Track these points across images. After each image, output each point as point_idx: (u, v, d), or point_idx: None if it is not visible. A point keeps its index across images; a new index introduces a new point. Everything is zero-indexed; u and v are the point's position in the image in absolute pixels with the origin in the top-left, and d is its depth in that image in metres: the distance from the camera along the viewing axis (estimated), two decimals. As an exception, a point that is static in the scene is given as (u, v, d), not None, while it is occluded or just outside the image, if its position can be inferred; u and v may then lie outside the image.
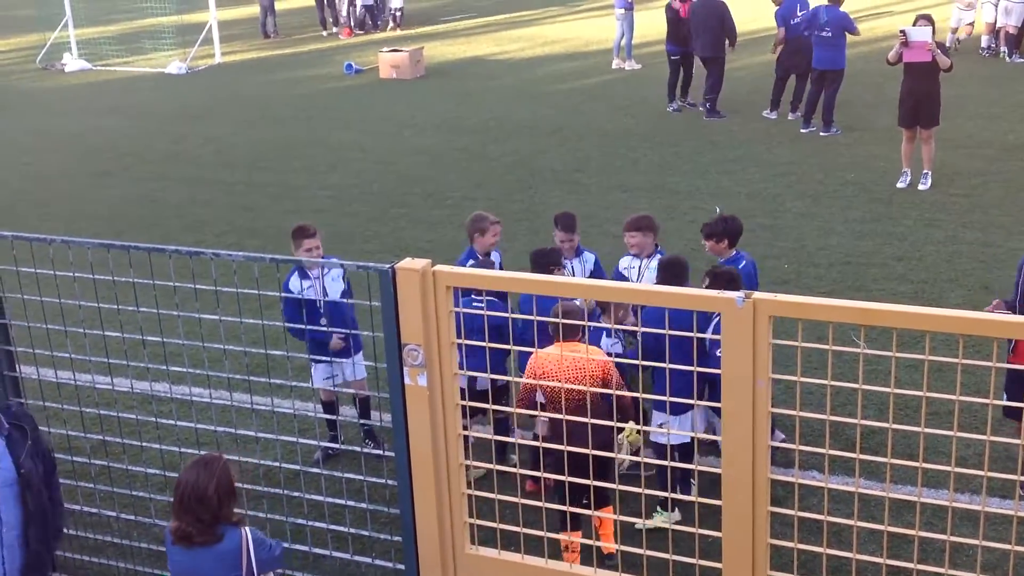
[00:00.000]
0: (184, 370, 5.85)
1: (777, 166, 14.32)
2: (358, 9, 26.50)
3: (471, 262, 7.70)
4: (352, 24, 26.57)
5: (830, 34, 15.26)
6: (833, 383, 3.97)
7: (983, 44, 19.77)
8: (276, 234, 12.94)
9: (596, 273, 8.06)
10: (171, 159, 16.65)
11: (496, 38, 24.89)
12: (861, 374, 3.92)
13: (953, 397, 3.78)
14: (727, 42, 16.69)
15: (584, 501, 5.50)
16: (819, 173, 13.92)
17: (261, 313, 5.41)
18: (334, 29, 26.84)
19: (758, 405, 3.99)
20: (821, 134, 15.53)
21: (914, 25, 13.12)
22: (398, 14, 27.28)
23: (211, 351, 5.77)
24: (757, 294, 3.97)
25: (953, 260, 10.89)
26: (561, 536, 5.84)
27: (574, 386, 5.46)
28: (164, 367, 5.92)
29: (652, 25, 23.46)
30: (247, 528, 4.60)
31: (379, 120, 18.20)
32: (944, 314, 3.78)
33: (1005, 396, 6.82)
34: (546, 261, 7.21)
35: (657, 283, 6.82)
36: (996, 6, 19.25)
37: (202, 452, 4.99)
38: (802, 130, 15.76)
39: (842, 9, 15.59)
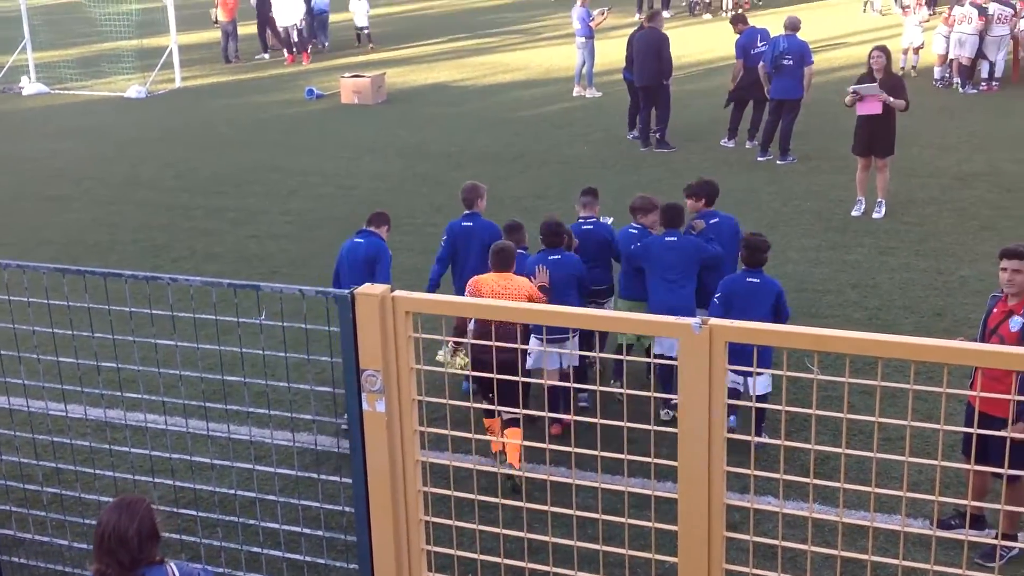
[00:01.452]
0: (139, 396, 5.80)
1: (734, 193, 14.41)
2: (294, 32, 26.52)
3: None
4: (290, 47, 26.56)
5: (791, 62, 15.46)
6: (788, 408, 4.01)
7: (936, 75, 20.12)
8: (235, 259, 12.91)
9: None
10: (129, 183, 16.54)
11: (458, 65, 24.99)
12: (815, 400, 3.97)
13: (904, 423, 3.83)
14: (665, 76, 16.56)
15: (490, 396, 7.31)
16: (775, 201, 14.08)
17: (218, 339, 5.38)
18: (265, 56, 26.94)
19: (714, 430, 4.02)
20: (778, 163, 15.73)
21: (867, 69, 13.32)
22: (365, 33, 27.42)
23: (167, 377, 5.73)
24: (713, 320, 4.00)
25: (906, 287, 11.05)
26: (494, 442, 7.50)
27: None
28: (119, 394, 5.86)
29: (613, 53, 23.67)
30: (171, 563, 4.50)
31: (340, 145, 18.20)
32: (896, 340, 3.84)
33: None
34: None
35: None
36: (947, 38, 19.61)
37: (154, 482, 4.94)
38: (759, 158, 15.95)
39: (800, 38, 15.85)
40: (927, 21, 22.20)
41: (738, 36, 16.84)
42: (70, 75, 24.90)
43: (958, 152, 15.79)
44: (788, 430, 4.13)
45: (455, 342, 7.54)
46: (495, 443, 7.59)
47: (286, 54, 26.50)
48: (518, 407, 6.58)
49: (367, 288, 4.52)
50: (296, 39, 26.44)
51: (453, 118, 19.82)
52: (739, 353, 4.92)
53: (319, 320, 5.06)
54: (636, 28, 18.04)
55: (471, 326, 7.16)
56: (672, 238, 8.77)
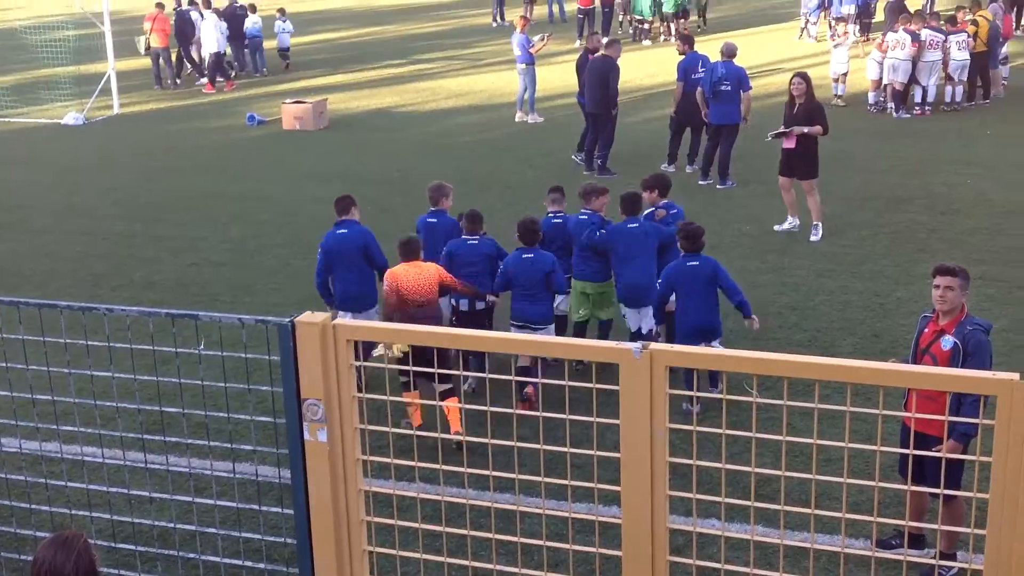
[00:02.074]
0: (76, 429, 5.70)
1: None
2: (203, 56, 26.59)
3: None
4: (213, 75, 26.56)
5: (729, 88, 15.69)
6: (728, 431, 4.04)
7: (870, 100, 20.50)
8: (175, 287, 12.77)
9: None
10: (67, 211, 16.30)
11: (400, 90, 24.99)
12: (755, 422, 4.00)
13: (842, 444, 3.88)
14: (610, 106, 16.68)
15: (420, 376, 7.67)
16: (715, 225, 14.18)
17: (156, 369, 5.31)
18: (175, 84, 26.87)
19: (656, 455, 4.04)
20: (717, 187, 15.91)
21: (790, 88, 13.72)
22: (285, 55, 27.91)
23: (104, 409, 5.64)
24: (654, 345, 4.03)
25: (844, 309, 11.21)
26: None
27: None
28: (55, 426, 5.76)
29: (554, 79, 23.85)
30: None
31: (282, 171, 18.09)
32: (832, 363, 3.89)
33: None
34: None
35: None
36: (881, 64, 20.00)
37: (88, 521, 4.86)
38: (700, 182, 16.13)
39: (737, 64, 16.11)
40: (856, 46, 22.72)
41: (682, 57, 17.09)
42: (6, 102, 24.53)
43: (892, 176, 16.09)
44: (730, 452, 4.16)
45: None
46: (415, 416, 8.56)
47: (204, 81, 26.42)
48: (448, 381, 8.44)
49: (307, 316, 4.50)
50: (206, 66, 26.45)
51: (395, 143, 19.81)
52: (697, 334, 8.74)
53: (259, 349, 5.00)
54: (581, 53, 18.19)
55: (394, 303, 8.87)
56: (634, 224, 9.87)
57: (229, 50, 27.36)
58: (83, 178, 18.29)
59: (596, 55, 17.20)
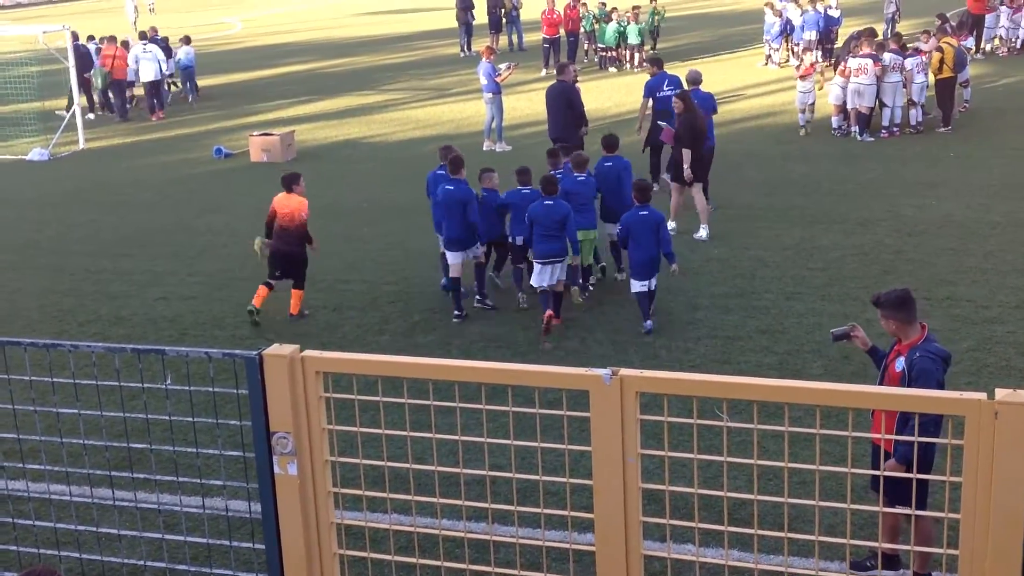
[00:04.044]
0: (42, 467, 5.62)
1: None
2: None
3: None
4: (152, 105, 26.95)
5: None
6: (700, 456, 4.04)
7: (834, 125, 20.69)
8: (143, 322, 12.66)
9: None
10: (32, 247, 16.15)
11: (367, 121, 25.01)
12: (726, 447, 4.00)
13: (813, 467, 3.88)
14: (578, 126, 16.72)
15: (277, 274, 12.55)
16: (683, 248, 14.27)
17: (123, 405, 5.25)
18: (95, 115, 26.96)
19: (628, 481, 4.03)
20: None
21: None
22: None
23: (71, 446, 5.56)
24: (624, 371, 4.03)
25: (814, 332, 11.26)
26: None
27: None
28: (21, 465, 5.67)
29: (521, 108, 23.96)
30: None
31: (249, 204, 17.99)
32: (800, 386, 3.91)
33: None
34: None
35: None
36: (844, 88, 20.20)
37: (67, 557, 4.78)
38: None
39: (704, 91, 16.26)
40: (819, 75, 22.98)
41: (650, 77, 17.49)
42: (-32, 139, 24.35)
43: (858, 198, 16.23)
44: (703, 477, 4.16)
45: (264, 241, 12.58)
46: (258, 299, 12.37)
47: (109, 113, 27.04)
48: (297, 280, 12.51)
49: (275, 349, 4.47)
50: (125, 99, 27.06)
51: (364, 174, 19.80)
52: (646, 266, 11.54)
53: (228, 382, 4.97)
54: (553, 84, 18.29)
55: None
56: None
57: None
58: (48, 214, 18.15)
59: (552, 83, 17.33)
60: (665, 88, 16.87)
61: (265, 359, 4.43)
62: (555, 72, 18.28)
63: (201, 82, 30.41)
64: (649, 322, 11.60)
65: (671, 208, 14.80)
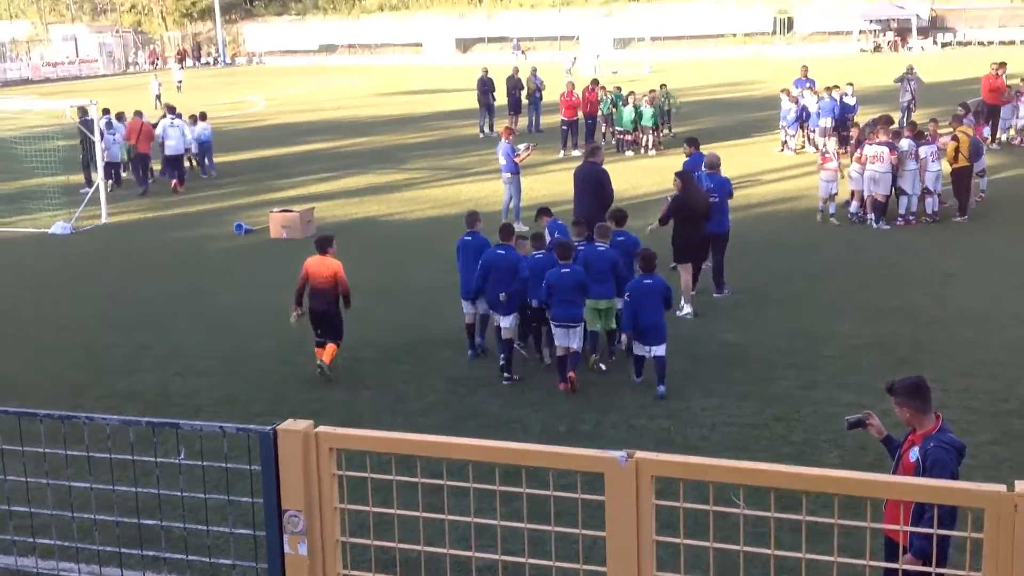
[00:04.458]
0: (53, 543, 5.58)
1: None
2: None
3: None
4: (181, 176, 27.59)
5: (718, 199, 15.90)
6: (716, 545, 3.99)
7: (852, 210, 20.74)
8: (157, 398, 12.65)
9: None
10: (50, 320, 16.24)
11: (387, 199, 25.24)
12: (742, 535, 3.95)
13: (831, 559, 3.83)
14: (605, 207, 16.93)
15: (319, 332, 13.07)
16: (700, 333, 14.26)
17: (135, 480, 5.23)
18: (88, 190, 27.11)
19: (643, 568, 3.98)
20: (714, 296, 15.89)
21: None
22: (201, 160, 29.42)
23: (81, 521, 5.53)
24: (639, 453, 4.00)
25: (831, 421, 11.16)
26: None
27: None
28: (31, 540, 5.64)
29: (538, 189, 24.16)
30: None
31: (268, 280, 18.12)
32: (817, 473, 3.87)
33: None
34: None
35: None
36: (862, 175, 20.29)
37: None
38: (715, 295, 16.06)
39: (721, 175, 16.40)
40: (841, 166, 23.11)
41: (687, 158, 17.97)
42: (-7, 211, 24.65)
43: (875, 287, 16.21)
44: (718, 567, 4.10)
45: (296, 311, 13.19)
46: (320, 354, 13.00)
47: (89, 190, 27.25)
48: (334, 336, 13.03)
49: (290, 424, 4.46)
50: (148, 173, 27.65)
51: (382, 252, 19.92)
52: (651, 331, 12.09)
53: (241, 458, 4.95)
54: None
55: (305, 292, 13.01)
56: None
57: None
58: (68, 287, 18.29)
59: (582, 163, 17.59)
60: (702, 167, 17.15)
61: (279, 434, 4.41)
62: (586, 154, 18.51)
63: (223, 158, 30.89)
64: (641, 377, 12.39)
65: (682, 289, 14.93)
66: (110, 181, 26.72)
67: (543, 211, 14.73)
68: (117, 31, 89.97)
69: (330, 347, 12.99)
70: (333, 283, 12.90)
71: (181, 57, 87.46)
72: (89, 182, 26.76)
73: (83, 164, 27.29)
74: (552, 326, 12.50)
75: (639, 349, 12.29)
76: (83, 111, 26.85)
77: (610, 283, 12.87)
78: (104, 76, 79.58)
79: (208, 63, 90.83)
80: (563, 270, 12.29)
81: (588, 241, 13.41)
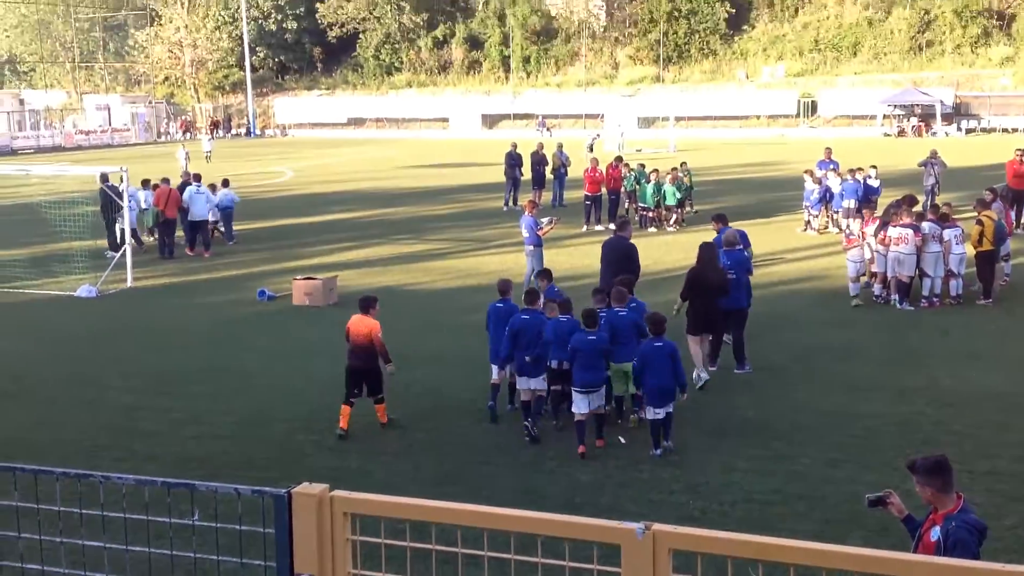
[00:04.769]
0: (63, 602, 5.53)
1: (678, 403, 14.53)
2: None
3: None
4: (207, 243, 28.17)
5: (734, 275, 15.91)
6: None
7: (876, 292, 20.67)
8: (175, 461, 12.63)
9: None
10: (72, 382, 16.31)
11: (409, 268, 25.37)
12: (760, 611, 3.89)
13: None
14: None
15: (355, 391, 13.51)
16: (722, 409, 14.17)
17: (149, 541, 5.20)
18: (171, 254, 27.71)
19: (658, 643, 3.91)
20: (735, 371, 15.81)
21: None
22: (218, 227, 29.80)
23: (93, 581, 5.49)
24: (657, 525, 3.95)
25: (853, 500, 10.99)
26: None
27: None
28: (42, 599, 5.59)
29: (560, 262, 24.23)
30: None
31: (289, 347, 18.19)
32: (837, 550, 3.81)
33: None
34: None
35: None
36: (886, 256, 20.25)
37: None
38: (736, 371, 15.98)
39: (740, 251, 16.44)
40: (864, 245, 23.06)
41: (716, 234, 17.93)
42: (20, 274, 24.90)
43: (898, 367, 16.08)
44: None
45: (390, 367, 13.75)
46: (343, 420, 13.32)
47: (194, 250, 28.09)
48: (376, 392, 13.57)
49: (305, 488, 4.44)
50: (173, 239, 28.17)
51: (403, 320, 19.92)
52: (661, 393, 12.44)
53: (255, 522, 4.92)
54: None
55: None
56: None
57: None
58: (91, 349, 18.40)
59: (611, 236, 17.84)
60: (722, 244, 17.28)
61: (294, 497, 4.40)
62: (616, 227, 19.03)
63: (250, 225, 31.24)
64: (659, 450, 12.46)
65: (693, 358, 15.01)
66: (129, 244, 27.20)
67: (543, 273, 15.13)
68: (150, 102, 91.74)
69: (378, 409, 13.69)
70: (370, 341, 13.44)
71: (214, 127, 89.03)
72: (113, 247, 27.15)
73: (107, 228, 27.70)
74: (573, 391, 12.67)
75: (651, 413, 12.51)
76: (104, 177, 27.44)
77: (634, 345, 13.15)
78: (136, 144, 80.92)
79: (238, 134, 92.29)
80: (589, 336, 12.61)
81: (607, 308, 13.67)
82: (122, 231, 27.72)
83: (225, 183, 30.03)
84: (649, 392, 12.53)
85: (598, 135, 58.53)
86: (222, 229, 30.10)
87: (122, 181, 26.82)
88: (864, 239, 20.76)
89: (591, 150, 50.13)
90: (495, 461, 12.46)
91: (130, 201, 27.72)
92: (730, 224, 18.88)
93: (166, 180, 28.75)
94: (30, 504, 5.26)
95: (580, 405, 12.54)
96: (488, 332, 14.38)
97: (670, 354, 12.46)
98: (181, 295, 23.09)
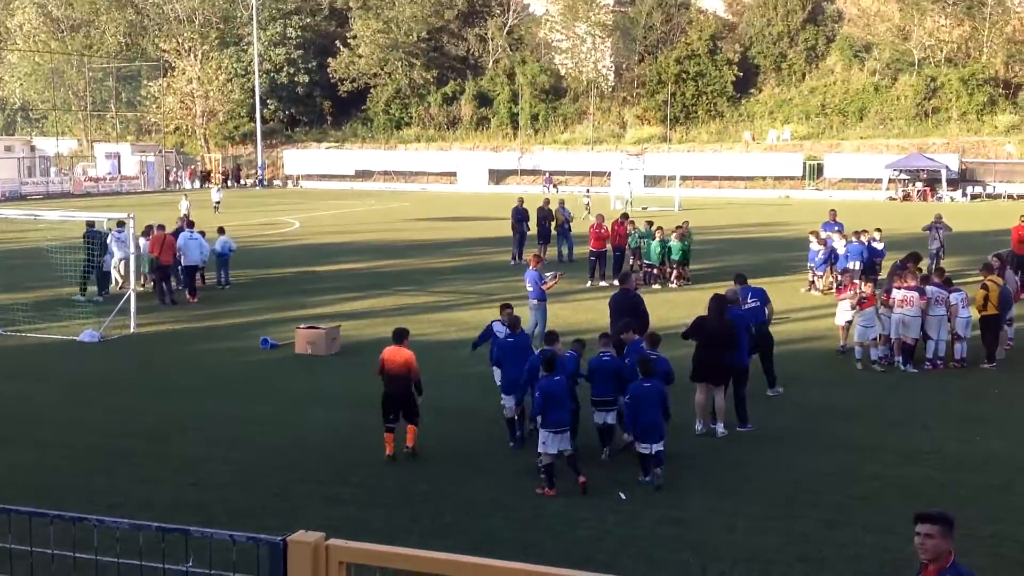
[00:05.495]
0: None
1: (682, 459, 14.45)
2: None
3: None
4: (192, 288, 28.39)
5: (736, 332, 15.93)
6: None
7: (880, 354, 20.56)
8: (171, 508, 12.54)
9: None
10: (72, 427, 16.25)
11: (414, 320, 25.32)
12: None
13: None
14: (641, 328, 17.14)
15: (391, 416, 14.42)
16: (722, 471, 14.07)
17: (142, 586, 5.15)
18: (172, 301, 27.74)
19: None
20: (738, 429, 15.72)
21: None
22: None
23: (84, 626, 5.42)
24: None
25: (854, 562, 10.90)
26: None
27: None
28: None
29: (564, 316, 24.22)
30: None
31: (290, 395, 18.13)
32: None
33: None
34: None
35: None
36: (890, 318, 20.20)
37: None
38: (739, 428, 15.90)
39: (740, 309, 16.50)
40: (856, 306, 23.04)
41: (738, 288, 18.11)
42: (24, 318, 24.91)
43: (901, 430, 15.99)
44: None
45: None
46: (389, 447, 14.29)
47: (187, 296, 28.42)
48: (411, 417, 14.42)
49: (300, 536, 4.40)
50: (170, 284, 28.37)
51: (405, 374, 19.88)
52: (649, 430, 13.39)
53: (250, 569, 4.86)
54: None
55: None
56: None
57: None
58: (92, 394, 18.35)
59: (616, 291, 18.08)
60: (749, 300, 17.70)
61: (289, 545, 4.36)
62: (619, 281, 19.91)
63: (254, 274, 31.29)
64: (648, 477, 13.25)
65: (696, 407, 15.52)
66: (105, 292, 28.09)
67: (551, 335, 15.45)
68: (160, 151, 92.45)
69: (410, 429, 14.37)
70: (406, 370, 14.37)
71: (225, 177, 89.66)
72: (83, 290, 27.92)
73: (83, 274, 28.09)
74: (542, 432, 13.12)
75: (642, 448, 13.28)
76: (90, 224, 27.95)
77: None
78: (144, 192, 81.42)
79: (246, 184, 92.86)
80: (555, 377, 13.34)
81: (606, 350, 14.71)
82: (105, 274, 28.04)
83: (221, 230, 30.62)
84: (640, 429, 13.28)
85: (587, 191, 59.64)
86: (219, 276, 30.44)
87: (119, 226, 27.35)
88: (852, 294, 21.00)
89: (588, 208, 50.84)
90: (494, 515, 12.36)
91: (116, 245, 28.32)
92: (726, 285, 19.08)
93: (161, 227, 28.98)
94: (23, 547, 5.22)
95: (551, 445, 12.98)
96: (500, 363, 15.31)
97: (658, 394, 13.38)
98: (184, 341, 23.08)
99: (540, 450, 13.11)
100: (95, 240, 28.06)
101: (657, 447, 13.19)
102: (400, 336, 14.77)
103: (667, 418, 13.52)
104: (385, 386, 14.52)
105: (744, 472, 13.93)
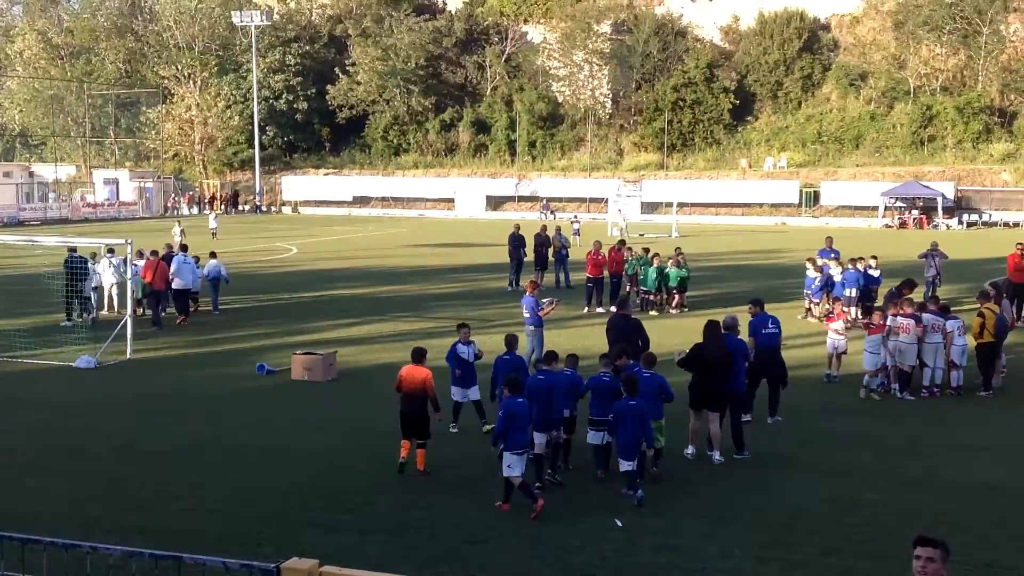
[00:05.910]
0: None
1: (678, 485, 14.43)
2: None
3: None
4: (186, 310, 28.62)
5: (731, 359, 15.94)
6: None
7: (878, 381, 20.56)
8: (165, 534, 12.48)
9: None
10: (66, 453, 16.19)
11: (409, 346, 24.66)
12: None
13: None
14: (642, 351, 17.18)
15: (407, 432, 14.86)
16: (719, 497, 14.04)
17: (134, 611, 5.13)
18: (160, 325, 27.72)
19: None
20: (735, 456, 15.69)
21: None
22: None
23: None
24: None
25: (852, 589, 10.86)
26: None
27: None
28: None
29: (560, 342, 24.17)
30: None
31: (286, 421, 18.09)
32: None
33: None
34: None
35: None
36: (887, 347, 20.20)
37: None
38: (735, 456, 15.85)
39: (739, 337, 16.48)
40: (854, 327, 23.04)
41: (752, 317, 18.28)
42: (20, 344, 24.87)
43: (898, 457, 15.96)
44: None
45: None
46: (404, 451, 14.82)
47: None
48: (421, 436, 14.81)
49: (294, 562, 4.39)
50: (163, 309, 28.58)
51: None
52: (630, 447, 13.89)
53: (243, 595, 4.85)
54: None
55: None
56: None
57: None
58: (87, 421, 18.29)
59: (613, 315, 18.59)
60: (770, 326, 17.87)
61: (283, 572, 4.35)
62: (616, 306, 20.28)
63: (251, 299, 31.29)
64: (631, 490, 13.66)
65: (689, 432, 15.68)
66: (88, 315, 28.24)
67: (549, 355, 15.47)
68: (158, 177, 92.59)
69: (420, 454, 14.74)
70: (423, 388, 14.78)
71: (225, 204, 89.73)
72: (69, 316, 27.97)
73: (65, 299, 28.15)
74: (507, 454, 13.20)
75: (624, 465, 13.71)
76: (72, 250, 28.06)
77: (659, 404, 14.64)
78: (142, 218, 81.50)
79: (243, 210, 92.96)
80: (519, 400, 13.54)
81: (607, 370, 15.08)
82: (87, 299, 28.08)
83: (212, 255, 31.02)
84: (621, 445, 13.81)
85: (575, 216, 60.28)
86: (211, 302, 30.63)
87: (110, 252, 27.57)
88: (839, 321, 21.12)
89: (577, 233, 51.36)
90: (490, 542, 12.31)
91: (110, 271, 28.46)
92: (724, 311, 19.09)
93: (154, 252, 29.05)
94: (15, 574, 5.20)
95: (516, 468, 13.18)
96: (494, 382, 15.84)
97: (639, 412, 13.83)
98: (180, 367, 23.04)
99: (506, 475, 13.20)
100: (77, 265, 28.11)
101: (634, 463, 13.68)
102: (419, 355, 15.14)
103: (647, 437, 13.93)
104: (401, 403, 14.95)
105: (742, 499, 13.90)
